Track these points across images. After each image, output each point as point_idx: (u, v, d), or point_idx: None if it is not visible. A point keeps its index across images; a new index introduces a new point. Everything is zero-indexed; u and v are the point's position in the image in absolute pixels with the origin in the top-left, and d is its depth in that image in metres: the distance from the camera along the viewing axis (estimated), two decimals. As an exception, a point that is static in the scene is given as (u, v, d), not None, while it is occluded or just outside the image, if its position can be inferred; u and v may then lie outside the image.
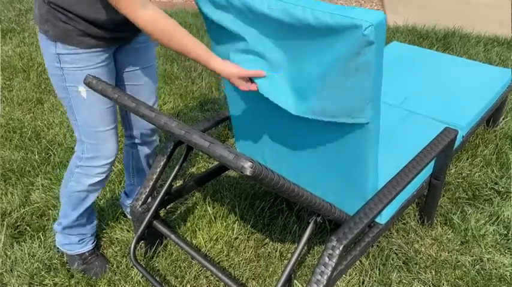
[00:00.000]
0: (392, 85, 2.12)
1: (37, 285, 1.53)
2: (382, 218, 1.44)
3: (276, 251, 1.66)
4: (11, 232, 1.74)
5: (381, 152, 1.65)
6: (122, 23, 1.23)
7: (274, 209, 1.85)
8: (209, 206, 1.85)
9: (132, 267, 1.59)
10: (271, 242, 1.70)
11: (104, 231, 1.75)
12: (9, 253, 1.65)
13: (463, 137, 1.82)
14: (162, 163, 1.53)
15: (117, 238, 1.72)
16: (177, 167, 1.51)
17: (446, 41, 3.53)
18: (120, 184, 1.99)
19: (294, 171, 1.49)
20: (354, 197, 1.36)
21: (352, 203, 1.38)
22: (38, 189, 1.96)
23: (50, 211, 1.85)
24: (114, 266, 1.60)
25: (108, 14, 1.18)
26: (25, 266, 1.58)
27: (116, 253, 1.66)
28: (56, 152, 2.21)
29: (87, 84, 1.21)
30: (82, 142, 1.36)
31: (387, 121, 1.85)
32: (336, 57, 1.03)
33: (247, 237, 1.72)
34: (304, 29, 1.04)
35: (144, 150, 1.63)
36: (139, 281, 1.54)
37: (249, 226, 1.77)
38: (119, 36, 1.27)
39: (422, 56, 2.38)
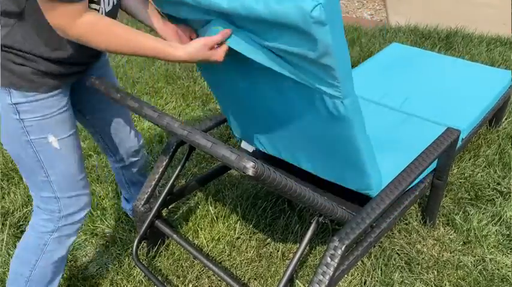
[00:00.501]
0: (392, 87, 2.11)
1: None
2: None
3: (278, 251, 1.66)
4: (13, 231, 1.75)
5: (380, 155, 1.62)
6: (83, 52, 1.10)
7: (276, 209, 1.85)
8: (211, 206, 1.86)
9: (134, 266, 1.59)
10: (273, 242, 1.70)
11: (106, 231, 1.76)
12: (11, 252, 1.65)
13: (462, 139, 1.82)
14: (164, 163, 1.53)
15: (120, 238, 1.72)
16: (179, 167, 1.51)
17: (448, 41, 3.52)
18: (123, 184, 1.99)
19: (291, 152, 1.47)
20: (352, 171, 1.33)
21: (352, 178, 1.35)
22: (41, 189, 1.97)
23: (53, 211, 1.85)
24: (117, 265, 1.60)
25: (70, 45, 1.05)
26: (28, 266, 1.59)
27: (119, 252, 1.66)
28: (58, 152, 2.21)
29: (92, 85, 1.20)
30: (57, 200, 1.17)
31: (386, 124, 1.83)
32: (293, 47, 0.98)
33: (249, 237, 1.72)
34: (261, 21, 0.97)
35: (134, 168, 1.58)
36: (142, 281, 1.54)
37: (251, 225, 1.77)
38: (79, 69, 1.15)
39: (423, 58, 2.37)
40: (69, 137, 1.14)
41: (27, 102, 1.03)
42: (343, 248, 1.15)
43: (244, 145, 1.69)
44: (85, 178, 1.22)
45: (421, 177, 1.57)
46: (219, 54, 1.07)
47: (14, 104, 1.03)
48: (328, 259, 1.17)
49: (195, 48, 1.03)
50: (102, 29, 0.95)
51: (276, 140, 1.48)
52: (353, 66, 3.18)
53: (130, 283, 1.54)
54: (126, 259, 1.62)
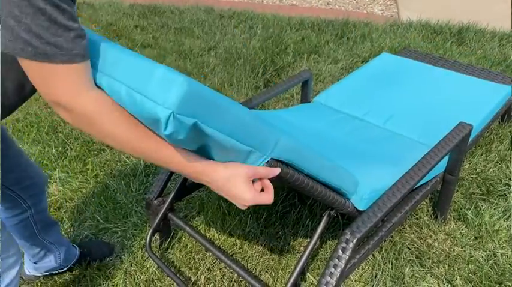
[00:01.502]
0: (378, 102, 1.97)
1: (55, 276, 1.57)
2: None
3: (289, 244, 1.68)
4: None
5: (360, 174, 1.39)
6: None
7: (286, 203, 1.87)
8: (222, 199, 1.88)
9: (147, 258, 1.62)
10: (283, 236, 1.72)
11: (119, 223, 1.79)
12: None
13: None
14: (177, 157, 1.55)
15: (132, 231, 1.75)
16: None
17: (460, 37, 3.49)
18: (135, 178, 2.02)
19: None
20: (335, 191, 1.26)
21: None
22: (56, 182, 2.00)
23: (67, 203, 1.89)
24: (130, 257, 1.63)
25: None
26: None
27: (132, 244, 1.69)
28: (72, 147, 2.25)
29: None
30: None
31: (369, 137, 1.74)
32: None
33: (261, 230, 1.74)
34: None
35: (43, 206, 1.33)
36: (155, 272, 1.57)
37: (262, 219, 1.78)
38: None
39: (413, 70, 2.21)
40: None
41: None
42: (354, 241, 1.17)
43: None
44: (7, 237, 0.97)
45: (432, 172, 1.57)
46: (267, 198, 0.90)
47: None
48: (340, 252, 1.18)
49: (239, 171, 0.86)
50: (118, 108, 0.75)
51: None
52: (363, 61, 3.17)
53: (143, 274, 1.56)
54: (140, 251, 1.65)
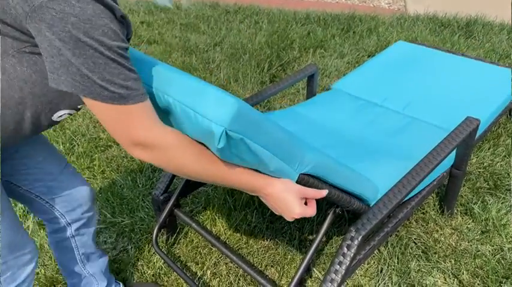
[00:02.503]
0: (395, 89, 2.01)
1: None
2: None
3: (295, 239, 1.68)
4: (37, 218, 1.81)
5: (378, 163, 1.49)
6: (25, 135, 0.87)
7: (292, 198, 1.87)
8: (228, 195, 1.88)
9: (154, 253, 1.63)
10: (289, 231, 1.72)
11: (126, 219, 1.80)
12: (36, 239, 1.71)
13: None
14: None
15: (139, 226, 1.76)
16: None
17: (468, 29, 3.45)
18: (141, 173, 2.04)
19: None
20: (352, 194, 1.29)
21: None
22: (63, 178, 2.02)
23: (75, 199, 1.91)
24: (137, 252, 1.64)
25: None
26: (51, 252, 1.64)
27: (140, 239, 1.70)
28: (79, 143, 2.27)
29: None
30: None
31: (388, 128, 1.76)
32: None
33: (266, 226, 1.75)
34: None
35: (90, 227, 1.27)
36: (162, 267, 1.58)
37: (267, 214, 1.79)
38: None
39: (429, 57, 2.25)
40: None
41: None
42: (359, 239, 1.16)
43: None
44: (24, 236, 0.99)
45: (439, 168, 1.56)
46: (312, 209, 1.00)
47: None
48: (345, 249, 1.18)
49: (293, 189, 0.97)
50: (191, 140, 0.83)
51: None
52: (369, 56, 3.15)
53: (150, 269, 1.58)
54: (146, 246, 1.67)
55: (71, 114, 0.85)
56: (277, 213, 1.00)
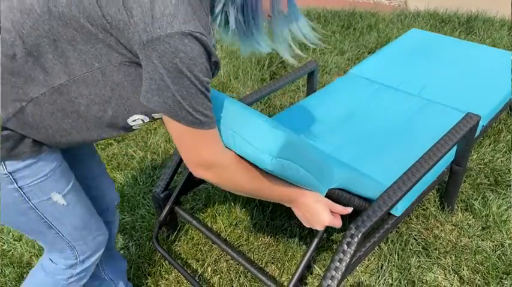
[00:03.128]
0: (411, 73, 2.09)
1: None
2: (398, 211, 1.45)
3: (295, 236, 1.68)
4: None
5: (398, 143, 1.64)
6: (89, 136, 0.95)
7: (293, 195, 1.87)
8: (229, 192, 1.88)
9: (155, 251, 1.64)
10: (289, 228, 1.72)
11: (127, 216, 1.81)
12: None
13: (483, 126, 1.79)
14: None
15: (140, 224, 1.77)
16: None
17: (469, 25, 3.44)
18: (142, 171, 2.04)
19: None
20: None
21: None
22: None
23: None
24: (138, 249, 1.65)
25: (77, 131, 0.92)
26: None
27: (140, 236, 1.71)
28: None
29: None
30: (72, 248, 1.06)
31: (405, 110, 1.84)
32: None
33: (267, 223, 1.75)
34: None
35: (109, 231, 1.32)
36: (162, 264, 1.58)
37: (268, 211, 1.79)
38: None
39: (442, 43, 2.34)
40: (72, 186, 1.00)
41: (25, 167, 0.88)
42: (359, 236, 1.16)
43: None
44: (98, 219, 1.10)
45: (439, 165, 1.57)
46: (338, 221, 1.12)
47: (10, 173, 0.88)
48: (345, 247, 1.18)
49: (325, 203, 1.11)
50: (246, 165, 0.97)
51: None
52: (370, 52, 3.15)
53: (151, 266, 1.58)
54: (147, 244, 1.67)
55: (144, 122, 0.94)
56: (304, 221, 1.12)
